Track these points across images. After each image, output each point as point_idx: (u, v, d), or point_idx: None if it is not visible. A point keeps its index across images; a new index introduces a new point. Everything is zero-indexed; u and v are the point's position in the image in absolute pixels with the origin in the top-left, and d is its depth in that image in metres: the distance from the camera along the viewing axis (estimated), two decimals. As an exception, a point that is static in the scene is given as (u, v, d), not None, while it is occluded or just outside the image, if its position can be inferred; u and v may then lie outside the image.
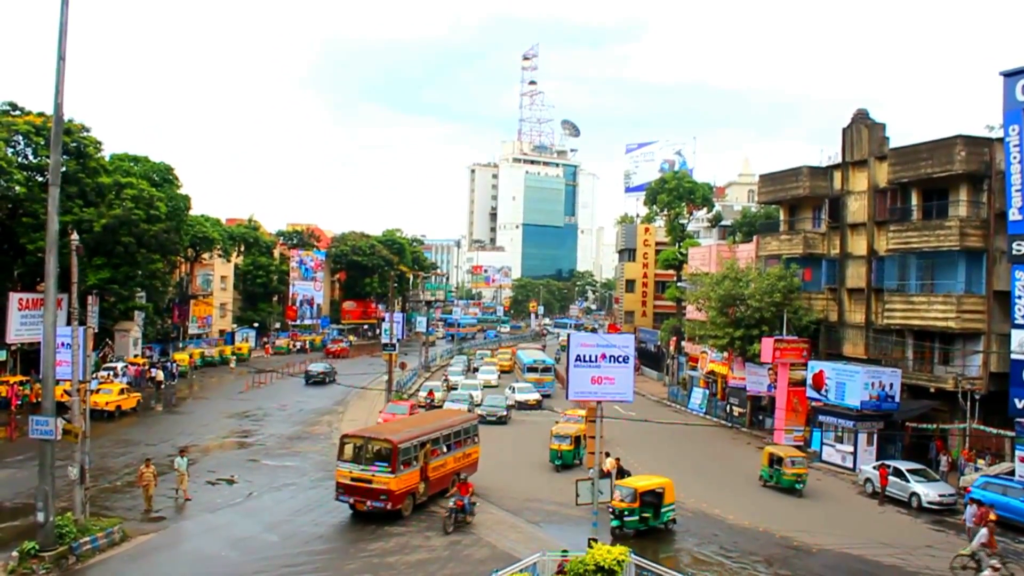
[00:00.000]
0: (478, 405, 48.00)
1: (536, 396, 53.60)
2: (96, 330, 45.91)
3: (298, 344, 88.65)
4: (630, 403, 29.55)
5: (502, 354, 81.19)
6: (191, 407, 49.90)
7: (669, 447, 41.42)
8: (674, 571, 18.82)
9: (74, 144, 49.24)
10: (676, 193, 73.53)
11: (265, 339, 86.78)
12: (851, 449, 36.93)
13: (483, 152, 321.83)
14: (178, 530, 24.97)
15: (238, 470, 32.73)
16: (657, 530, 25.78)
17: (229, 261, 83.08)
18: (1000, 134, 33.97)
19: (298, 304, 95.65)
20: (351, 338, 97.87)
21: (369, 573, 21.30)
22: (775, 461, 32.75)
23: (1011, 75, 32.08)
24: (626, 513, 24.96)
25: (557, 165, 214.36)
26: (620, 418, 41.32)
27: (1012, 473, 30.64)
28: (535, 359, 64.37)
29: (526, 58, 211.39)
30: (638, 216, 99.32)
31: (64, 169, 45.31)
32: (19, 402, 42.49)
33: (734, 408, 50.10)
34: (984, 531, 22.97)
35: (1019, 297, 31.57)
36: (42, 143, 47.08)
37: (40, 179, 47.66)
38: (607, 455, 29.45)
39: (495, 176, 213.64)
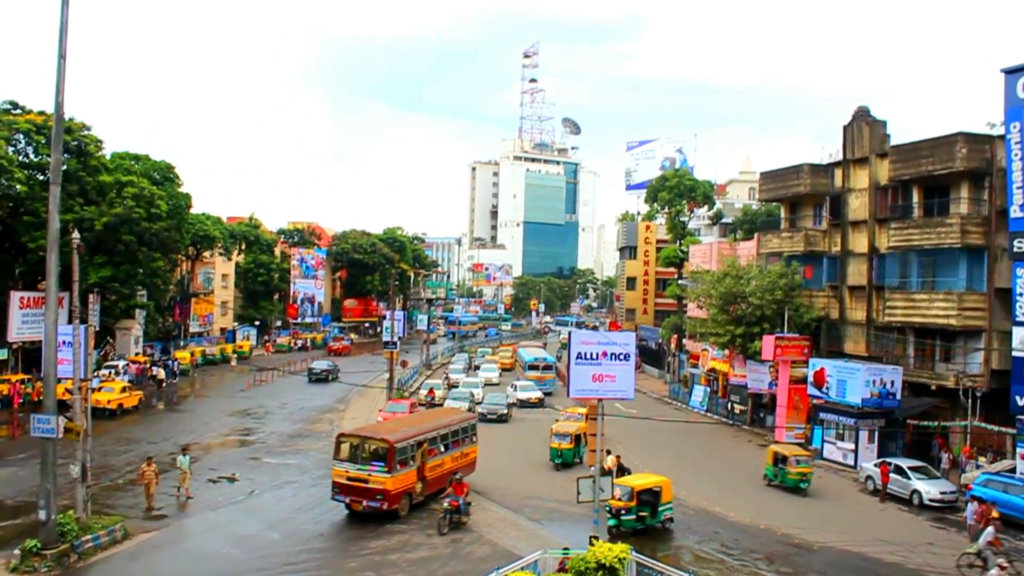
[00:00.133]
0: (479, 403, 48.00)
1: (538, 394, 53.58)
2: (97, 328, 45.98)
3: (299, 342, 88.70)
4: (631, 401, 29.61)
5: (503, 352, 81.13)
6: (192, 405, 49.94)
7: (670, 445, 41.41)
8: (675, 568, 18.84)
9: (75, 143, 49.30)
10: (677, 191, 73.45)
11: (266, 337, 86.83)
12: (852, 447, 36.93)
13: (484, 150, 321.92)
14: (180, 528, 25.00)
15: (239, 468, 32.76)
16: (655, 529, 25.70)
17: (230, 259, 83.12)
18: (1001, 131, 33.96)
19: (299, 302, 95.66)
20: (352, 336, 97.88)
21: (371, 571, 21.33)
22: (779, 460, 32.54)
23: (1012, 72, 32.03)
24: (623, 512, 24.87)
25: (558, 163, 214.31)
26: (621, 416, 41.34)
27: (1013, 470, 30.60)
28: (536, 357, 64.36)
29: (527, 56, 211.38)
30: (639, 214, 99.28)
31: (65, 168, 45.46)
32: (21, 400, 42.53)
33: (735, 406, 50.10)
34: (991, 529, 22.96)
35: (1020, 294, 31.54)
36: (43, 142, 47.13)
37: (41, 177, 47.72)
38: (608, 453, 29.44)
39: (496, 174, 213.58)
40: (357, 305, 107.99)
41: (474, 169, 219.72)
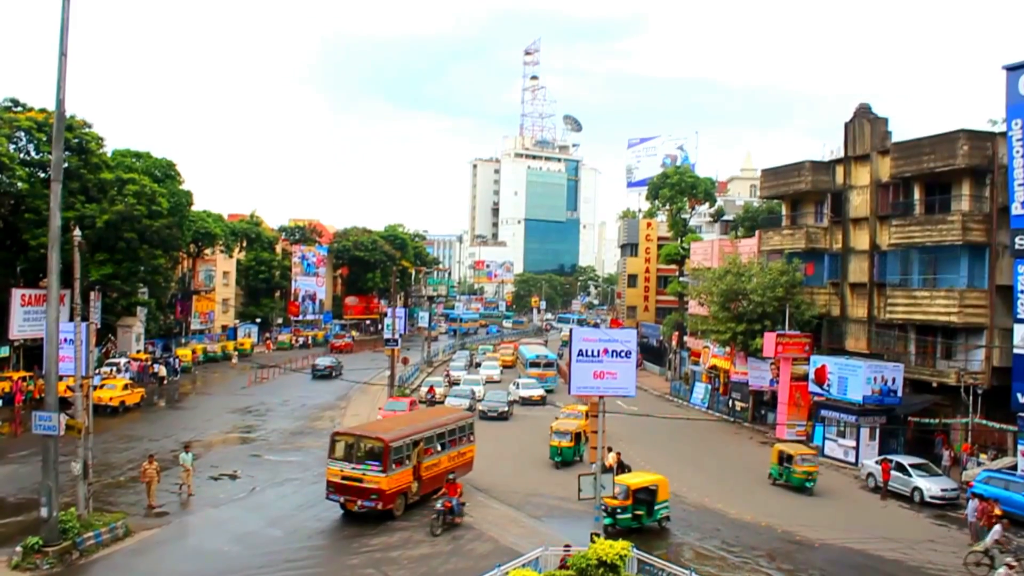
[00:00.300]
0: (479, 401, 47.99)
1: (540, 392, 53.54)
2: (99, 326, 45.78)
3: (300, 339, 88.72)
4: (632, 398, 29.56)
5: (504, 349, 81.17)
6: (194, 402, 50.00)
7: (671, 442, 41.44)
8: (676, 565, 18.86)
9: (76, 140, 49.29)
10: (678, 188, 73.42)
11: (267, 335, 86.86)
12: (853, 444, 36.95)
13: (485, 147, 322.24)
14: (181, 525, 25.03)
15: (241, 465, 32.78)
16: (652, 528, 25.51)
17: (231, 257, 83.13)
18: (1003, 128, 33.92)
19: (300, 299, 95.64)
20: (353, 333, 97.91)
21: (372, 568, 21.36)
22: (785, 459, 32.31)
23: (1014, 69, 32.00)
24: (619, 511, 24.69)
25: (559, 160, 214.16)
26: (622, 413, 41.34)
27: (1014, 468, 30.61)
28: (538, 354, 64.37)
29: (528, 53, 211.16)
30: (640, 211, 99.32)
31: (66, 165, 45.48)
32: (23, 398, 42.56)
33: (736, 403, 50.12)
34: (998, 527, 22.94)
35: (1022, 291, 31.53)
36: (44, 139, 47.12)
37: (42, 175, 47.71)
38: (609, 450, 29.43)
39: (497, 171, 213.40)
40: (358, 302, 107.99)
41: (475, 166, 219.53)
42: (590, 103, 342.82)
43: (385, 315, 64.12)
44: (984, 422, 33.52)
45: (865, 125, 42.07)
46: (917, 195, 38.47)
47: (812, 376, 39.77)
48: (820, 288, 45.04)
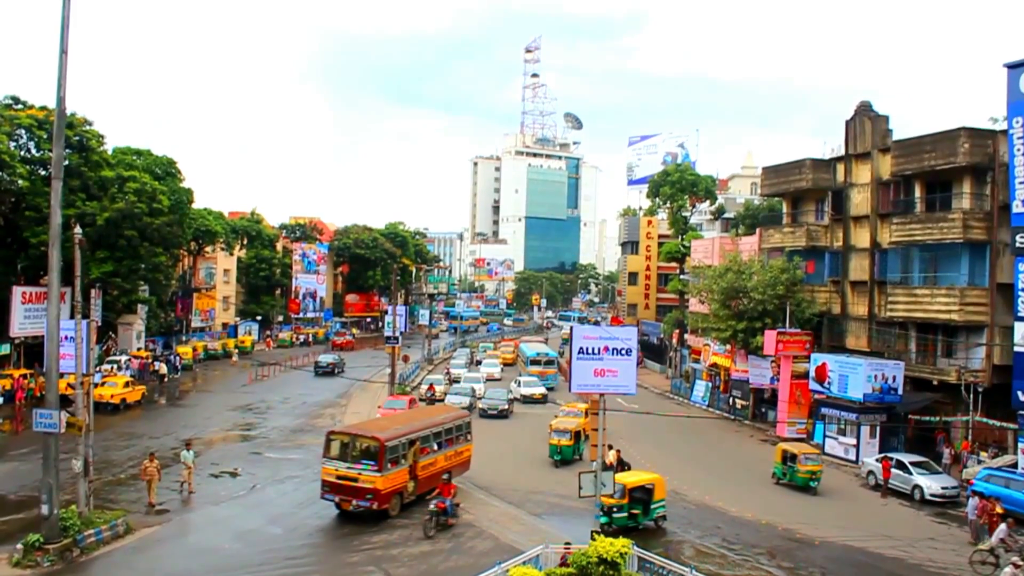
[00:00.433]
0: (480, 398, 47.96)
1: (542, 390, 53.44)
2: (99, 323, 45.64)
3: (301, 337, 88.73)
4: (633, 396, 29.58)
5: (505, 347, 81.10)
6: (194, 400, 50.02)
7: (671, 440, 41.48)
8: (676, 563, 18.88)
9: (77, 138, 49.25)
10: (679, 186, 73.37)
11: (268, 332, 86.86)
12: (854, 442, 36.95)
13: (486, 145, 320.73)
14: (182, 522, 25.06)
15: (241, 463, 32.81)
16: (648, 527, 25.32)
17: (232, 254, 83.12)
18: (1004, 126, 33.90)
19: (301, 297, 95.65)
20: (354, 331, 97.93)
21: (372, 565, 21.38)
22: (788, 458, 32.09)
23: (1015, 67, 31.98)
24: (615, 509, 24.52)
25: (560, 158, 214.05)
26: (623, 410, 41.32)
27: (1015, 466, 30.64)
28: (538, 352, 64.35)
29: (528, 50, 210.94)
30: (641, 209, 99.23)
31: (67, 163, 45.49)
32: (24, 395, 42.60)
33: (737, 401, 50.12)
34: (1003, 527, 22.90)
35: (1022, 290, 31.53)
36: (45, 137, 47.11)
37: (43, 173, 47.68)
38: (610, 448, 29.43)
39: (498, 169, 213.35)
40: (359, 300, 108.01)
41: (476, 164, 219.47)
42: (591, 101, 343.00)
43: (386, 313, 64.17)
44: (985, 420, 33.53)
45: (866, 123, 42.04)
46: (918, 193, 38.45)
47: (813, 374, 39.78)
48: (821, 286, 45.03)
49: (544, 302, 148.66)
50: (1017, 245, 31.75)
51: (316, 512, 26.00)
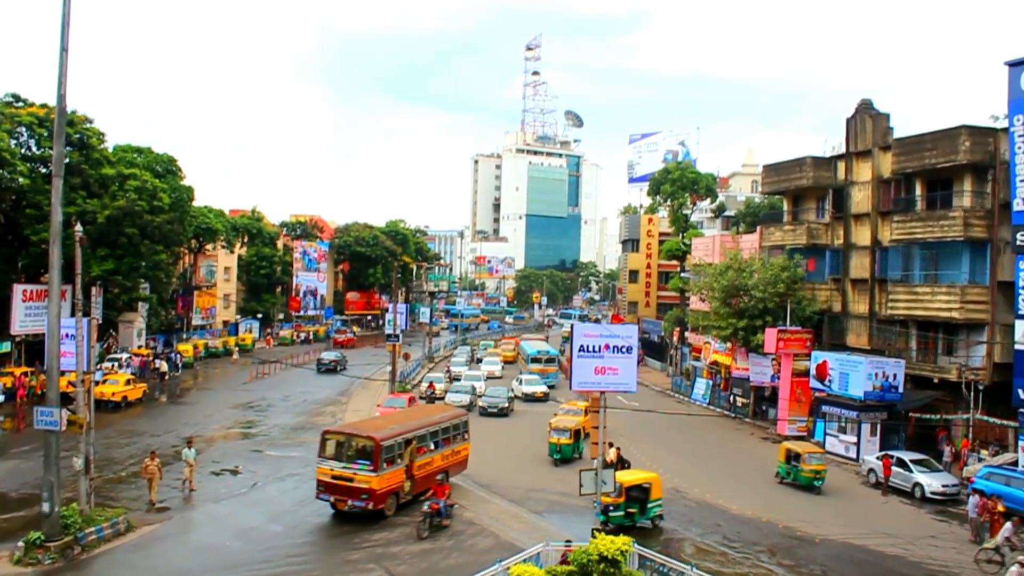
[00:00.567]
0: (480, 396, 47.92)
1: (544, 388, 53.27)
2: (100, 321, 45.54)
3: (301, 335, 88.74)
4: (633, 393, 29.56)
5: (505, 345, 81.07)
6: (195, 398, 50.05)
7: (672, 438, 41.48)
8: (677, 560, 18.89)
9: (77, 135, 49.24)
10: (679, 183, 73.38)
11: (268, 330, 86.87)
12: (854, 439, 36.96)
13: (486, 142, 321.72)
14: (183, 520, 25.08)
15: (242, 460, 32.84)
16: (645, 526, 25.17)
17: (233, 252, 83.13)
18: (1005, 124, 33.86)
19: (302, 295, 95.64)
20: (355, 329, 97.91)
21: (373, 563, 21.40)
22: (792, 457, 31.85)
23: (1016, 65, 31.94)
24: (611, 508, 24.35)
25: (560, 155, 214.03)
26: (623, 408, 41.31)
27: (1015, 463, 30.63)
28: (539, 350, 64.32)
29: (529, 48, 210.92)
30: (641, 206, 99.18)
31: (67, 160, 45.46)
32: (25, 393, 42.64)
33: (737, 398, 50.13)
34: (1009, 525, 22.87)
35: (1023, 288, 31.50)
36: (45, 135, 47.11)
37: (43, 170, 47.68)
38: (611, 445, 29.40)
39: (498, 167, 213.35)
40: (359, 298, 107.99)
41: (476, 162, 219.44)
42: (591, 98, 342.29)
43: (386, 311, 64.24)
44: (985, 418, 33.56)
45: (867, 121, 42.00)
46: (919, 191, 38.42)
47: (813, 372, 39.77)
48: (821, 284, 45.02)
49: (545, 300, 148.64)
50: (1018, 243, 31.72)
51: (317, 510, 26.00)
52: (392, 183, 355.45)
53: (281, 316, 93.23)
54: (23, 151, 47.89)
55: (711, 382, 54.69)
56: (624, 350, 23.60)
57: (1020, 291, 31.58)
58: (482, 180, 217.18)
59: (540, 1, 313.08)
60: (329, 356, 64.89)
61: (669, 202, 75.66)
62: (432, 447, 27.93)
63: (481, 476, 31.22)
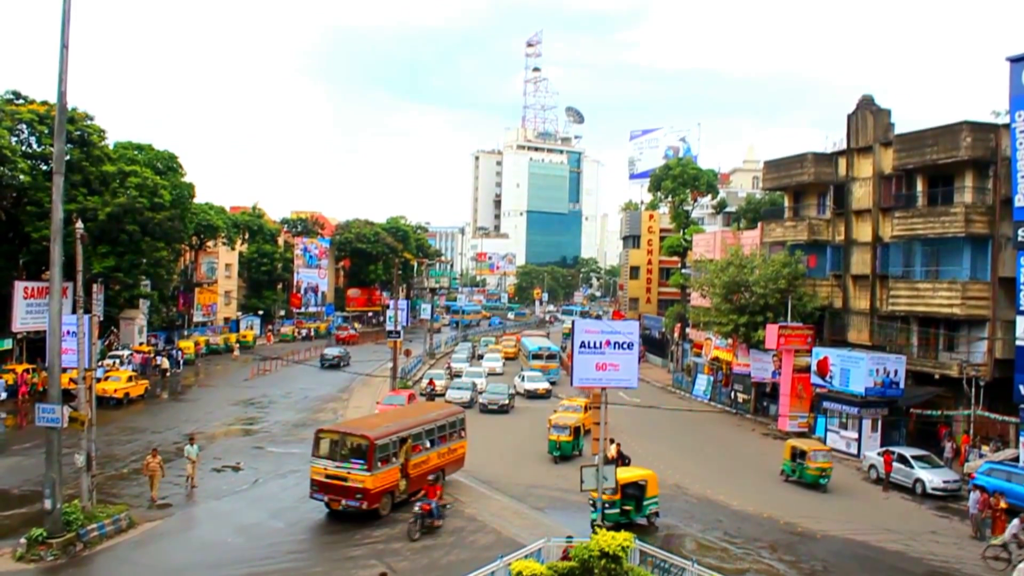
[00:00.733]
0: (481, 393, 47.87)
1: (546, 385, 53.10)
2: (101, 318, 45.86)
3: (303, 332, 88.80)
4: (634, 390, 29.57)
5: (506, 341, 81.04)
6: (196, 395, 50.10)
7: (673, 434, 41.47)
8: (678, 556, 18.91)
9: (78, 133, 49.25)
10: (680, 180, 73.33)
11: (269, 327, 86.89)
12: (855, 435, 36.96)
13: (487, 139, 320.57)
14: (184, 517, 25.14)
15: (244, 457, 32.89)
16: (640, 524, 24.93)
17: (233, 249, 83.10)
18: (1006, 120, 33.80)
19: (302, 292, 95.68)
20: (356, 325, 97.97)
21: (374, 559, 21.41)
22: (797, 455, 31.58)
23: (1017, 60, 31.87)
24: (607, 505, 24.05)
25: (561, 152, 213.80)
26: (624, 404, 41.37)
27: (1016, 459, 30.63)
28: (540, 346, 64.25)
29: (530, 44, 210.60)
30: (642, 203, 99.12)
31: (68, 158, 45.46)
32: (28, 390, 42.69)
33: (738, 395, 50.12)
34: (1016, 522, 22.84)
35: (1024, 283, 31.49)
36: (46, 132, 47.11)
37: (44, 168, 47.71)
38: (611, 441, 29.40)
39: (499, 163, 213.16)
40: (360, 294, 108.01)
41: (477, 158, 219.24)
42: (592, 95, 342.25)
43: (387, 307, 64.34)
44: (986, 414, 33.57)
45: (868, 117, 41.96)
46: (920, 187, 38.39)
47: (814, 368, 39.78)
48: (822, 280, 45.02)
49: (546, 296, 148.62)
50: (1019, 239, 31.71)
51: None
52: (393, 180, 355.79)
53: (282, 313, 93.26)
54: (24, 148, 47.92)
55: (712, 378, 54.69)
56: (625, 346, 23.57)
57: (1021, 287, 31.56)
58: (483, 176, 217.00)
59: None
60: (332, 352, 65.19)
61: (670, 198, 75.62)
62: (428, 445, 27.64)
63: (482, 472, 31.24)
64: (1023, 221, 31.62)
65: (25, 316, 46.24)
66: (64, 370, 23.68)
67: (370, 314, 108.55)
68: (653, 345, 74.90)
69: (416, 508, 23.75)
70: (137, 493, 26.88)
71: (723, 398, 51.79)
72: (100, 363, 43.28)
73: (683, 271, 68.58)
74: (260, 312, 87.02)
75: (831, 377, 38.43)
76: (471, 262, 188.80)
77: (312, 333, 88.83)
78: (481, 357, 69.14)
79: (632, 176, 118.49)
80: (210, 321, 78.40)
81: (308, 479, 28.69)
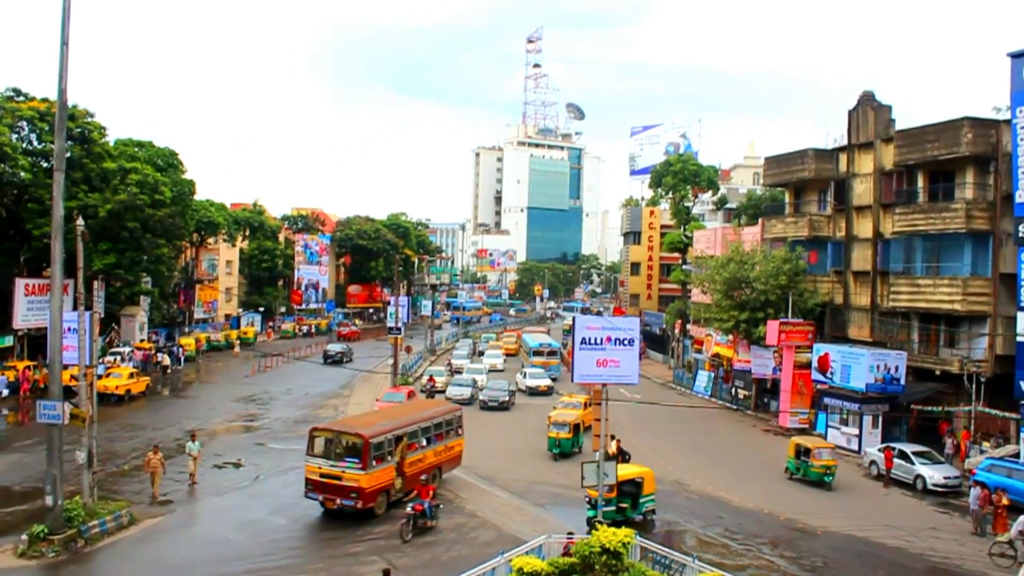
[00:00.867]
0: (481, 390, 47.83)
1: (547, 382, 53.00)
2: (102, 315, 45.95)
3: (303, 328, 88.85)
4: (635, 386, 29.55)
5: (507, 337, 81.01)
6: (197, 391, 50.14)
7: (674, 430, 41.49)
8: (678, 552, 18.93)
9: (78, 130, 49.25)
10: (681, 176, 73.25)
11: (270, 323, 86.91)
12: (856, 432, 36.96)
13: (488, 136, 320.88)
14: (186, 513, 25.18)
15: (245, 454, 32.92)
16: (637, 522, 24.58)
17: (234, 246, 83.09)
18: (1007, 116, 33.76)
19: (303, 288, 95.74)
20: (357, 322, 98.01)
21: (375, 555, 21.45)
22: (802, 452, 31.38)
23: (1019, 56, 31.82)
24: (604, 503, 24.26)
25: (562, 148, 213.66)
26: (625, 400, 41.36)
27: (1017, 455, 30.62)
28: (541, 343, 64.22)
29: (530, 41, 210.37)
30: (643, 199, 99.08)
31: (69, 155, 45.43)
32: (29, 387, 42.73)
33: (739, 391, 50.10)
34: (1022, 518, 22.81)
35: (1025, 279, 31.46)
36: (46, 129, 47.11)
37: (45, 165, 47.73)
38: (612, 438, 29.38)
39: (500, 160, 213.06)
40: (361, 291, 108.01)
41: (478, 155, 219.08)
42: (593, 91, 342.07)
43: (388, 304, 64.38)
44: (987, 410, 33.54)
45: (869, 113, 41.90)
46: (921, 183, 38.35)
47: (815, 364, 39.78)
48: (823, 276, 44.99)
49: (546, 293, 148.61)
50: (1020, 235, 31.66)
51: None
52: (394, 176, 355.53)
53: (283, 309, 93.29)
54: (24, 145, 47.94)
55: (713, 374, 54.69)
56: (626, 342, 23.57)
57: (1022, 283, 31.54)
58: (483, 173, 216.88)
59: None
60: (335, 348, 65.61)
61: (671, 194, 75.50)
62: (424, 443, 27.42)
63: (483, 469, 31.27)
64: (1024, 217, 31.59)
65: (26, 313, 46.29)
66: (65, 367, 23.69)
67: (371, 310, 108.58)
68: (654, 341, 74.92)
69: (408, 509, 23.46)
70: (138, 490, 26.91)
71: (724, 394, 51.79)
72: (101, 360, 43.35)
73: (684, 267, 68.49)
74: (261, 309, 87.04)
75: (832, 373, 38.42)
76: (472, 258, 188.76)
77: (313, 330, 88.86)
78: (482, 354, 69.13)
79: (633, 172, 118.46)
80: (211, 318, 78.43)
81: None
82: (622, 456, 29.17)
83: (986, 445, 33.17)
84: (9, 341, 47.07)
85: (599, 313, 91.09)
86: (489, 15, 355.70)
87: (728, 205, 79.61)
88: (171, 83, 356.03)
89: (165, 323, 67.85)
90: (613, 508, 23.92)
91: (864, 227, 42.31)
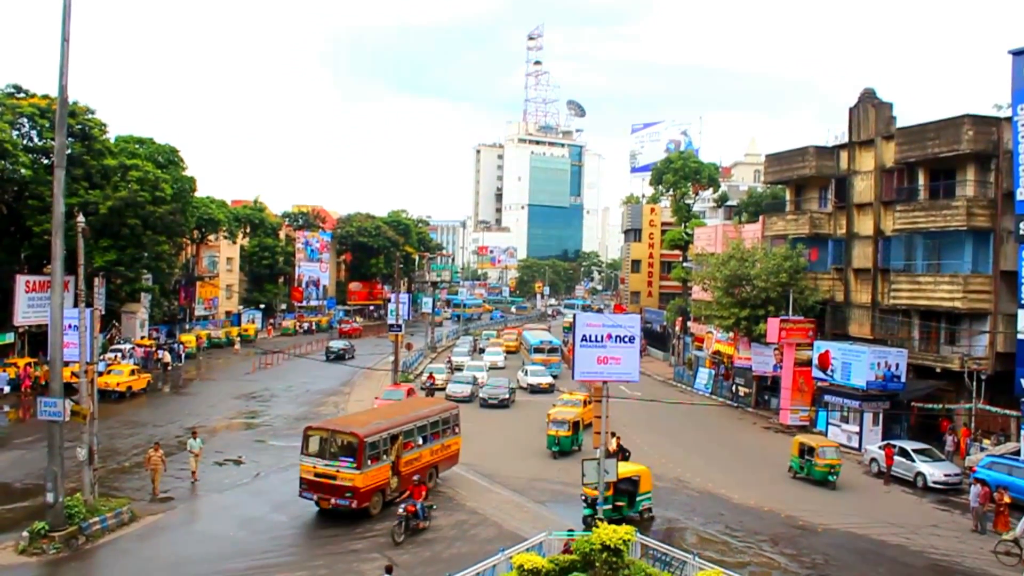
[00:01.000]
0: (481, 387, 47.78)
1: (549, 379, 52.91)
2: (103, 312, 45.81)
3: (304, 325, 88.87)
4: (636, 383, 29.53)
5: (508, 335, 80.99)
6: (198, 388, 50.18)
7: (674, 427, 41.51)
8: (679, 549, 18.94)
9: (79, 126, 49.24)
10: (682, 173, 73.24)
11: (271, 321, 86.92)
12: (856, 429, 36.94)
13: (489, 133, 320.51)
14: (187, 510, 25.20)
15: (245, 451, 32.95)
16: (634, 520, 24.40)
17: (235, 243, 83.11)
18: (1008, 113, 33.72)
19: (304, 285, 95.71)
20: (357, 319, 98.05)
21: (376, 552, 21.48)
22: (805, 451, 31.25)
23: (1019, 53, 31.75)
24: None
25: (563, 145, 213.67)
26: (625, 398, 41.34)
27: (1018, 453, 30.62)
28: (541, 340, 64.25)
29: (531, 38, 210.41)
30: (644, 196, 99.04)
31: (69, 151, 45.46)
32: (30, 384, 42.75)
33: (740, 388, 50.10)
34: None
35: (1026, 277, 31.43)
36: (47, 125, 47.10)
37: (45, 161, 47.73)
38: (612, 435, 29.38)
39: (501, 157, 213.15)
40: (362, 288, 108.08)
41: (479, 152, 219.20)
42: (593, 88, 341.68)
43: (389, 301, 64.45)
44: (987, 407, 33.53)
45: (869, 110, 41.86)
46: (921, 180, 38.30)
47: (816, 361, 39.76)
48: (824, 273, 44.96)
49: (547, 290, 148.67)
50: (1021, 232, 31.62)
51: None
52: (394, 173, 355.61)
53: (283, 306, 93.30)
54: (25, 142, 47.95)
55: (713, 372, 54.68)
56: (626, 340, 23.57)
57: (1023, 281, 31.52)
58: (484, 170, 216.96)
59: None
60: (338, 345, 66.08)
61: (671, 192, 75.49)
62: (420, 442, 27.25)
63: (483, 467, 31.28)
64: (1025, 214, 31.55)
65: (27, 310, 46.29)
66: (66, 364, 23.69)
67: (371, 308, 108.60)
68: (654, 339, 74.93)
69: (400, 510, 23.12)
70: (139, 487, 26.93)
71: (724, 392, 51.80)
72: (102, 357, 43.38)
73: (684, 265, 68.49)
74: (261, 306, 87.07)
75: (832, 371, 38.41)
76: (472, 256, 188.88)
77: (313, 327, 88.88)
78: (482, 351, 69.15)
79: (633, 170, 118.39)
80: (211, 315, 78.46)
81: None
82: (621, 453, 29.17)
83: (986, 442, 33.17)
84: (10, 338, 47.08)
85: (600, 310, 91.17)
86: (490, 12, 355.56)
87: (729, 202, 79.67)
88: (171, 81, 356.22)
89: (166, 320, 67.88)
90: (610, 506, 23.77)
91: (865, 224, 42.28)
